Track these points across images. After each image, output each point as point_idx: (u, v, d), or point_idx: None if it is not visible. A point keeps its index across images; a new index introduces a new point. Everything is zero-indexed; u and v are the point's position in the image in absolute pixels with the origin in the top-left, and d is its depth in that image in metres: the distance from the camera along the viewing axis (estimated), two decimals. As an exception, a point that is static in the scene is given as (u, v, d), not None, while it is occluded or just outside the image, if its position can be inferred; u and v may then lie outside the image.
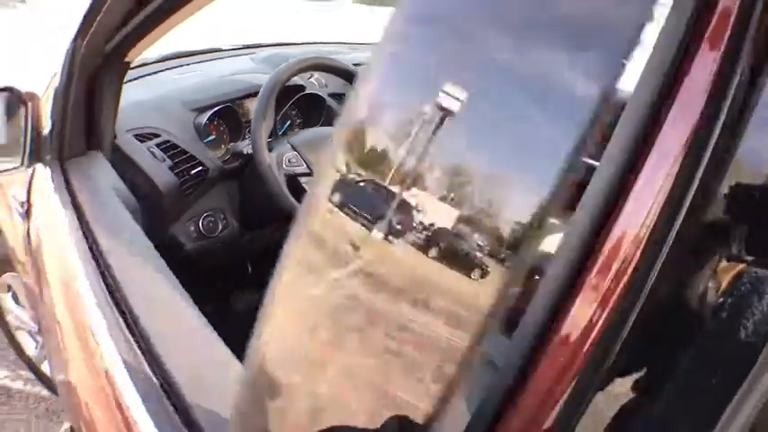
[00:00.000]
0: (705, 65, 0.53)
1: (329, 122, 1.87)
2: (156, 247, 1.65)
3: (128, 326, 1.02)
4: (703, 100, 0.58)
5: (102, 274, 1.13)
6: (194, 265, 1.78)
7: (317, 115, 1.90)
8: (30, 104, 1.32)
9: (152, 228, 1.62)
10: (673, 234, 0.61)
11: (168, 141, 1.63)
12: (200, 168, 1.64)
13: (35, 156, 1.34)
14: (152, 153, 1.59)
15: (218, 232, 1.71)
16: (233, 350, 2.12)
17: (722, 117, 0.57)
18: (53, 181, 1.35)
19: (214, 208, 1.72)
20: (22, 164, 1.32)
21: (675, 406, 0.60)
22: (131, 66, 1.50)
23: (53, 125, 1.38)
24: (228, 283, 2.21)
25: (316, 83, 1.98)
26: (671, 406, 0.59)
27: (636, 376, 0.60)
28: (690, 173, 0.55)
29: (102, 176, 1.39)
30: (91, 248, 1.19)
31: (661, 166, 0.62)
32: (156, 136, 1.64)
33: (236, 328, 2.11)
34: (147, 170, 1.55)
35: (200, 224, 1.69)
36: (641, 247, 0.64)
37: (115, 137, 1.53)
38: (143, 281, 1.17)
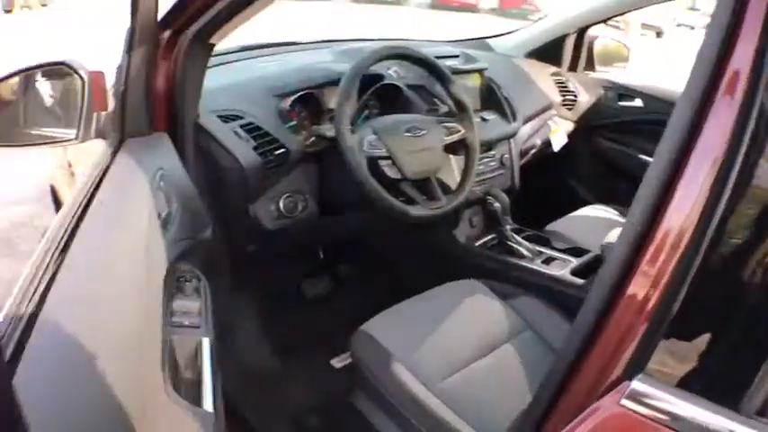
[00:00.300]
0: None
1: (406, 112, 1.85)
2: (233, 225, 1.69)
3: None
4: (741, 99, 0.67)
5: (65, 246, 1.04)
6: (272, 244, 1.79)
7: (394, 105, 1.89)
8: (87, 79, 1.32)
9: (232, 205, 1.62)
10: (715, 224, 0.70)
11: (252, 123, 1.64)
12: (283, 150, 1.65)
13: (91, 131, 1.33)
14: (236, 133, 1.60)
15: (298, 213, 1.72)
16: (304, 338, 2.12)
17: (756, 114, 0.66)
18: (106, 157, 1.34)
19: (294, 189, 1.72)
20: (76, 138, 1.32)
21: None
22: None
23: (115, 103, 1.39)
24: (300, 270, 2.22)
25: (394, 74, 1.97)
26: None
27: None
28: (730, 166, 0.67)
29: (152, 160, 1.33)
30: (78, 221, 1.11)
31: (705, 161, 0.70)
32: (240, 117, 1.65)
33: (307, 316, 2.11)
34: (232, 148, 1.57)
35: (281, 204, 1.69)
36: (689, 234, 0.71)
37: (198, 116, 1.54)
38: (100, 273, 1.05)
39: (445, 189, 1.74)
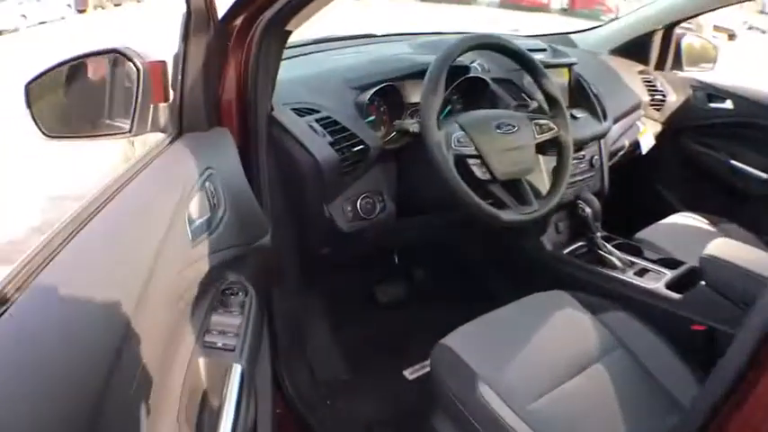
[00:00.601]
0: None
1: (492, 108, 1.69)
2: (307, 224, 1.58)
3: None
4: None
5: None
6: (346, 247, 1.66)
7: (478, 100, 1.74)
8: (142, 68, 1.19)
9: (306, 204, 1.49)
10: None
11: (328, 117, 1.51)
12: (361, 147, 1.50)
13: (147, 124, 1.20)
14: (311, 127, 1.47)
15: (375, 215, 1.57)
16: (376, 345, 1.99)
17: None
18: (155, 152, 1.20)
19: (372, 189, 1.57)
20: (129, 131, 1.20)
21: None
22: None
23: (174, 94, 1.25)
24: (374, 274, 2.08)
25: (479, 67, 1.81)
26: None
27: None
28: None
29: (203, 158, 1.18)
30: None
31: None
32: (316, 111, 1.52)
33: (380, 322, 1.97)
34: (307, 144, 1.43)
35: (358, 204, 1.54)
36: None
37: (272, 109, 1.41)
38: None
39: (535, 192, 1.57)
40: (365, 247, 1.71)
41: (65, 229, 0.87)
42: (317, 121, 1.49)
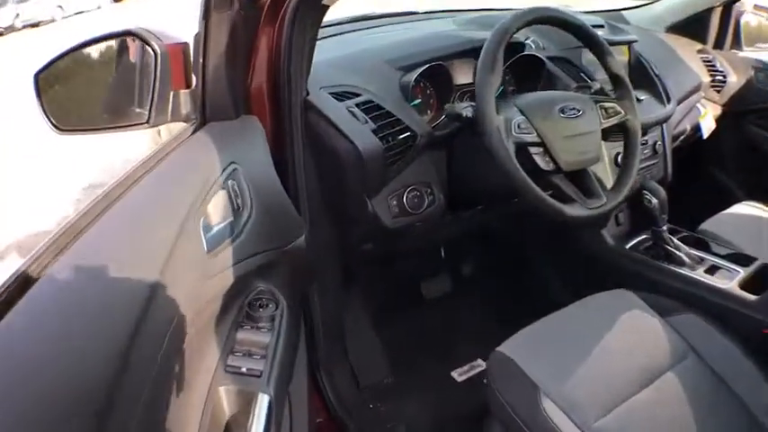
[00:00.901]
0: None
1: (549, 88, 1.51)
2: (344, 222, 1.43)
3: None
4: None
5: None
6: (391, 246, 1.50)
7: (533, 80, 1.55)
8: (160, 52, 1.03)
9: (346, 199, 1.33)
10: None
11: (371, 102, 1.34)
12: (408, 134, 1.33)
13: (166, 113, 1.05)
14: (352, 113, 1.30)
15: (423, 209, 1.39)
16: (421, 345, 1.83)
17: None
18: (174, 143, 1.05)
19: (420, 181, 1.40)
20: (147, 121, 1.05)
21: None
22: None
23: (196, 79, 1.10)
24: (419, 269, 1.92)
25: (533, 45, 1.63)
26: None
27: None
28: None
29: (227, 152, 1.03)
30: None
31: None
32: (356, 95, 1.35)
33: (425, 320, 1.81)
34: (348, 132, 1.26)
35: (404, 198, 1.37)
36: None
37: (307, 93, 1.25)
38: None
39: (599, 184, 1.38)
40: (411, 242, 1.54)
41: (65, 234, 0.75)
42: (357, 105, 1.32)
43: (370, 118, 1.30)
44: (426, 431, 1.56)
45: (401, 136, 1.32)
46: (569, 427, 1.06)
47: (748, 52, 2.35)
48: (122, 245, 0.80)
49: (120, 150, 3.43)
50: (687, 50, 2.17)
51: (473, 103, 1.27)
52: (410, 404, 1.64)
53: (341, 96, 1.33)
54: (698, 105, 2.09)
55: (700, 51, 2.24)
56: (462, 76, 1.49)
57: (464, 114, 1.29)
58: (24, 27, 15.50)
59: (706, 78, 2.15)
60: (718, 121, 2.21)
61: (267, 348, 0.92)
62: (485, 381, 1.63)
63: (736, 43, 2.37)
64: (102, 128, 1.12)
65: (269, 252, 1.03)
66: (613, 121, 1.35)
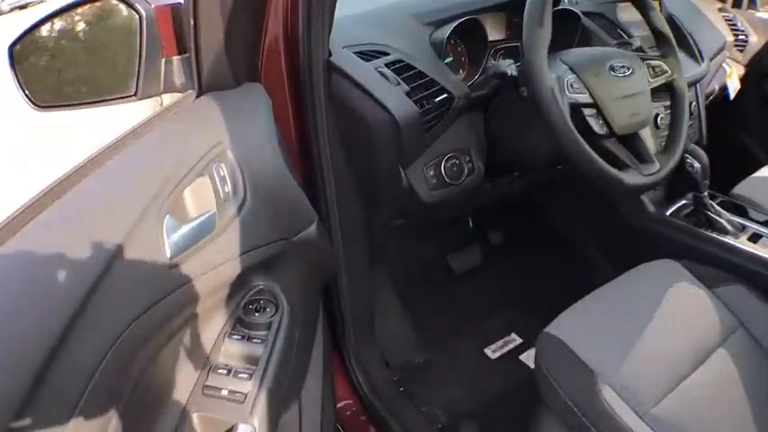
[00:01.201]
0: None
1: (584, 46, 1.39)
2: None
3: None
4: None
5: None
6: (424, 219, 1.37)
7: (568, 36, 1.42)
8: (146, 15, 0.88)
9: (378, 172, 1.19)
10: None
11: (401, 61, 1.19)
12: (444, 96, 1.19)
13: (158, 83, 0.91)
14: (382, 74, 1.15)
15: (463, 179, 1.26)
16: (452, 321, 1.72)
17: None
18: (153, 124, 0.88)
19: (459, 148, 1.26)
20: (134, 94, 0.91)
21: None
22: None
23: (188, 42, 0.93)
24: (447, 242, 1.79)
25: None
26: None
27: None
28: None
29: (219, 127, 0.87)
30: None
31: None
32: (384, 54, 1.20)
33: (455, 295, 1.68)
34: (379, 96, 1.11)
35: (443, 168, 1.23)
36: None
37: (329, 54, 1.10)
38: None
39: None
40: (443, 214, 1.41)
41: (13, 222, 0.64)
42: (387, 66, 1.17)
43: (401, 79, 1.16)
44: (466, 418, 1.45)
45: (437, 98, 1.18)
46: (630, 416, 0.97)
47: (763, 13, 2.25)
48: (62, 243, 0.66)
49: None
50: (709, 8, 2.06)
51: (513, 61, 1.14)
52: (444, 385, 1.53)
53: (368, 56, 1.18)
54: (724, 65, 1.97)
55: (720, 10, 2.13)
56: (495, 31, 1.36)
57: (510, 73, 1.16)
58: (12, 10, 15.01)
59: (729, 37, 2.04)
60: (742, 81, 2.10)
61: (258, 363, 0.78)
62: (520, 358, 1.51)
63: (753, 3, 2.28)
64: (84, 102, 0.96)
65: (270, 246, 0.87)
66: (661, 80, 1.24)
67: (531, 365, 1.58)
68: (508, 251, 1.86)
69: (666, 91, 1.27)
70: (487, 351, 1.62)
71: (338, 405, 1.29)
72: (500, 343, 1.63)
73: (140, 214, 0.70)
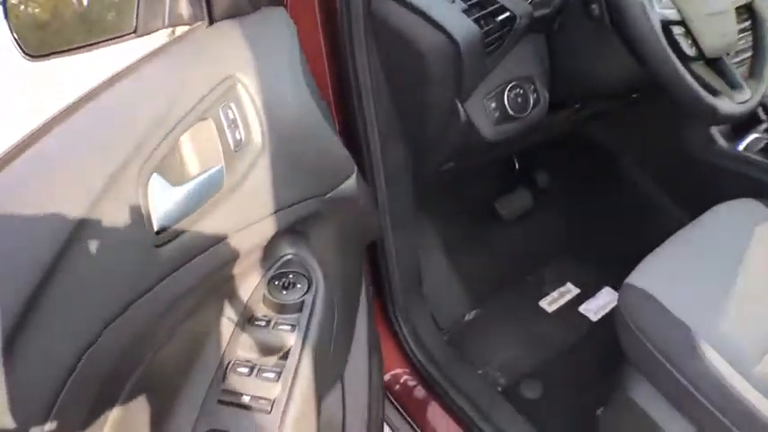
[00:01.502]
0: None
1: None
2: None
3: None
4: None
5: None
6: (475, 161, 1.20)
7: None
8: None
9: (431, 107, 1.00)
10: None
11: None
12: (507, 14, 0.99)
13: (163, 16, 0.71)
14: None
15: (529, 111, 1.07)
16: (504, 271, 1.55)
17: None
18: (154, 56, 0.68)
19: (522, 75, 1.06)
20: (134, 31, 0.73)
21: None
22: None
23: None
24: (494, 186, 1.61)
25: None
26: None
27: None
28: None
29: (229, 59, 0.68)
30: None
31: None
32: None
33: (505, 242, 1.51)
34: (435, 15, 0.92)
35: (505, 98, 1.04)
36: None
37: None
38: None
39: None
40: (506, 153, 1.23)
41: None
42: None
43: None
44: (525, 377, 1.31)
45: (498, 17, 0.98)
46: (733, 377, 0.85)
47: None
48: (12, 214, 0.50)
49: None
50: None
51: None
52: (499, 344, 1.38)
53: None
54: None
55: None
56: None
57: None
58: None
59: None
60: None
61: (289, 357, 0.62)
62: (579, 309, 1.38)
63: None
64: (80, 46, 0.79)
65: (298, 205, 0.69)
66: (742, 0, 1.10)
67: (593, 318, 1.46)
68: (559, 194, 1.68)
69: (745, 14, 1.13)
70: (543, 304, 1.48)
71: (386, 378, 1.15)
72: (555, 294, 1.49)
73: (113, 173, 0.53)
